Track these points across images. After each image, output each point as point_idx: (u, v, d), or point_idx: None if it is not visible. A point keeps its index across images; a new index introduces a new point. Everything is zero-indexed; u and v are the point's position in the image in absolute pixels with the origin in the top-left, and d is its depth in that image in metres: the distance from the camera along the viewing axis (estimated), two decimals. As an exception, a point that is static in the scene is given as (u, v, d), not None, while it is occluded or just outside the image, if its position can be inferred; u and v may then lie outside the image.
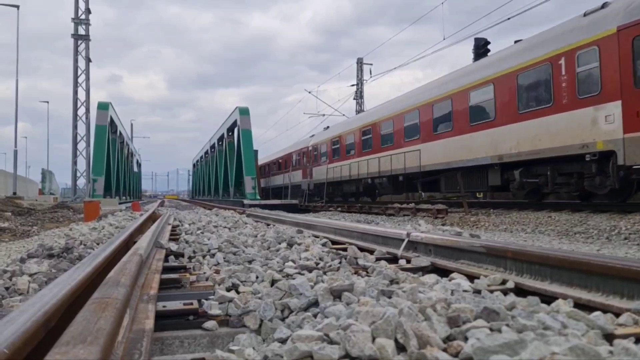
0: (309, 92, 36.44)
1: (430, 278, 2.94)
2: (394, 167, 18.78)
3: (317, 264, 3.81)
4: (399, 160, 18.44)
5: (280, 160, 38.65)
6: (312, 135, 31.55)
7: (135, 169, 61.91)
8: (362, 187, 22.56)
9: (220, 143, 40.96)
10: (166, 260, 4.01)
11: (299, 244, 4.97)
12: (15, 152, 33.06)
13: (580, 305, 2.34)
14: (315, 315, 2.16)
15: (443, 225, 11.25)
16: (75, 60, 30.50)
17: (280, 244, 5.11)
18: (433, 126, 16.30)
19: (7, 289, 3.29)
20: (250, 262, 3.94)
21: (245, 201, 25.81)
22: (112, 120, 34.13)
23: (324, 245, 5.09)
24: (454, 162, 15.04)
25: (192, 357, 1.82)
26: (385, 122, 19.94)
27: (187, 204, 35.41)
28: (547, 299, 2.47)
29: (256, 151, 33.31)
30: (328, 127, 29.53)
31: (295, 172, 33.19)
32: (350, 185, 23.88)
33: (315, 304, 2.35)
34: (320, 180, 27.44)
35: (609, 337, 1.76)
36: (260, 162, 46.13)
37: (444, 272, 3.51)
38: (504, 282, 3.01)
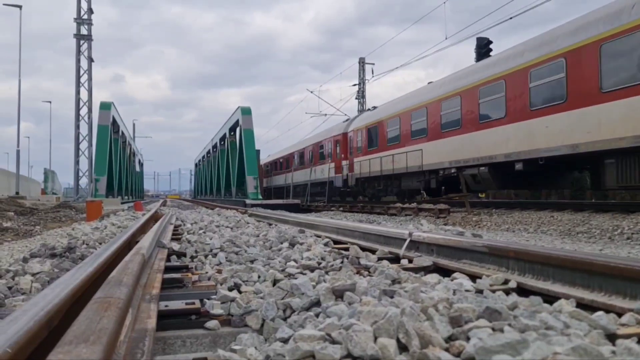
0: (311, 92, 36.42)
1: (433, 278, 2.94)
2: (506, 151, 12.73)
3: (319, 263, 3.81)
4: (513, 139, 12.53)
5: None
6: (347, 121, 25.89)
7: (138, 168, 62.05)
8: (437, 181, 16.53)
9: (222, 143, 41.01)
10: (168, 259, 4.01)
11: (301, 244, 4.98)
12: (18, 152, 33.14)
13: (582, 305, 2.33)
14: (317, 315, 2.16)
15: (445, 225, 11.24)
16: (78, 60, 30.56)
17: (282, 243, 5.11)
18: (599, 82, 10.13)
19: (9, 288, 3.30)
20: (252, 261, 3.94)
21: (247, 201, 25.83)
22: (114, 120, 34.21)
23: (326, 244, 5.09)
24: None
25: (194, 356, 1.83)
26: (486, 87, 13.59)
27: (189, 204, 35.44)
28: (550, 298, 2.46)
29: (258, 151, 33.31)
30: (375, 107, 23.40)
31: (316, 167, 28.01)
32: (413, 179, 17.86)
33: (317, 303, 2.36)
34: (365, 174, 21.45)
35: (612, 337, 1.76)
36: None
37: (446, 272, 3.51)
38: (506, 281, 3.01)
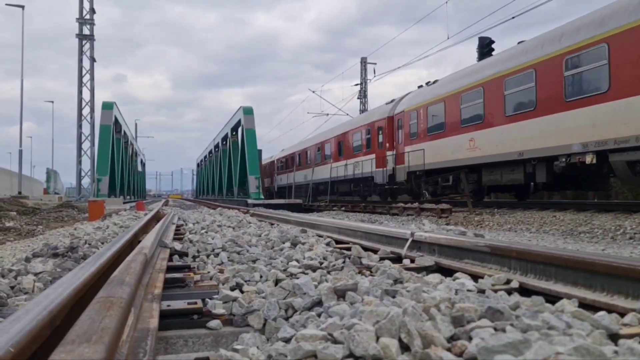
0: (313, 92, 36.44)
1: (434, 277, 2.94)
2: None
3: (321, 263, 3.81)
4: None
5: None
6: (391, 102, 20.63)
7: (140, 168, 62.14)
8: (548, 173, 11.85)
9: (224, 143, 41.03)
10: (170, 259, 4.02)
11: (303, 244, 4.98)
12: (20, 152, 33.24)
13: (585, 305, 2.33)
14: (319, 315, 2.16)
15: (447, 224, 11.22)
16: (80, 60, 30.61)
17: (284, 243, 5.12)
18: None
19: (12, 287, 3.31)
20: (254, 261, 3.94)
21: (249, 200, 25.82)
22: (116, 120, 34.26)
23: (327, 244, 5.09)
24: None
25: (196, 356, 1.83)
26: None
27: (191, 204, 35.48)
28: (552, 298, 2.46)
29: (260, 151, 33.27)
30: (432, 81, 18.00)
31: (348, 160, 23.00)
32: (505, 170, 13.05)
33: (319, 303, 2.36)
34: (421, 166, 16.66)
35: (614, 337, 1.76)
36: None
37: (448, 272, 3.50)
38: (508, 281, 3.00)
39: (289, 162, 35.53)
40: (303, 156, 32.11)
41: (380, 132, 20.37)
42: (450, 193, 15.83)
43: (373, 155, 20.78)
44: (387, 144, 19.83)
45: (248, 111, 30.61)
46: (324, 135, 28.61)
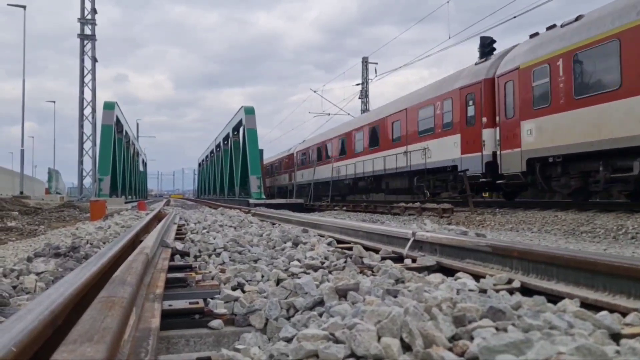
0: (314, 92, 36.35)
1: (436, 277, 2.94)
2: None
3: (323, 263, 3.81)
4: None
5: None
6: (484, 60, 14.72)
7: (141, 168, 62.21)
8: None
9: (225, 142, 41.07)
10: (172, 259, 4.02)
11: (305, 243, 4.98)
12: (22, 152, 33.29)
13: (586, 305, 2.33)
14: (320, 315, 2.16)
15: (449, 224, 11.21)
16: (82, 60, 30.67)
17: (285, 243, 5.12)
18: None
19: (14, 287, 3.31)
20: (255, 261, 3.95)
21: (251, 200, 25.81)
22: (118, 120, 34.29)
23: (329, 244, 5.09)
24: None
25: (198, 355, 1.83)
26: None
27: (192, 204, 35.50)
28: (554, 298, 2.46)
29: (261, 150, 33.23)
30: (579, 16, 11.10)
31: (412, 145, 17.30)
32: None
33: (321, 303, 2.36)
34: (561, 149, 10.96)
35: (616, 337, 1.75)
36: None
37: (449, 272, 3.50)
38: (510, 281, 3.00)
39: (316, 154, 29.97)
40: (335, 145, 25.48)
41: (471, 103, 14.47)
42: (625, 190, 10.42)
43: (457, 136, 14.92)
44: (485, 119, 13.86)
45: (249, 111, 30.60)
46: (366, 119, 21.99)
